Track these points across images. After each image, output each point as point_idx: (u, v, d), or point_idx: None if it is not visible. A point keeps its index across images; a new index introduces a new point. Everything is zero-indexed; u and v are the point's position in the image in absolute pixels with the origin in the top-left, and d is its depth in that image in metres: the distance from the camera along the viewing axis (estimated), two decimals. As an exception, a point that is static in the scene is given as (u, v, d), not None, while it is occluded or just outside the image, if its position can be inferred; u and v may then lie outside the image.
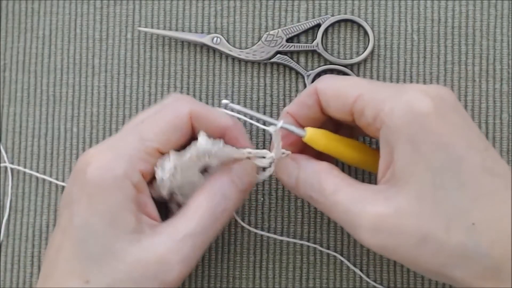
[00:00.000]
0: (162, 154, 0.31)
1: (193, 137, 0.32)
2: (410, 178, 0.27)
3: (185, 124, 0.31)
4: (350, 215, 0.28)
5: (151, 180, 0.31)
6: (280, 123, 0.31)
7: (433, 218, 0.26)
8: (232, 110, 0.32)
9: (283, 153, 0.32)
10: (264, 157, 0.32)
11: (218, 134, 0.32)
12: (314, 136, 0.31)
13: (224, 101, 0.32)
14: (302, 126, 0.32)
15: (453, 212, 0.26)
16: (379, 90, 0.29)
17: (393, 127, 0.28)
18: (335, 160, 0.34)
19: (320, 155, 0.32)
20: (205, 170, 0.32)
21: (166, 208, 0.33)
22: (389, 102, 0.28)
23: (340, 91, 0.30)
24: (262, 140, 0.38)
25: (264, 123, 0.32)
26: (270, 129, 0.31)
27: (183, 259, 0.29)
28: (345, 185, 0.29)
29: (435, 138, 0.27)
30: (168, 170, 0.31)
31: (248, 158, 0.32)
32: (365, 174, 0.38)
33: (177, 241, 0.29)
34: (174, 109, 0.31)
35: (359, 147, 0.33)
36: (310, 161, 0.31)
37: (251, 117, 0.32)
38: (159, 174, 0.31)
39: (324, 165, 0.31)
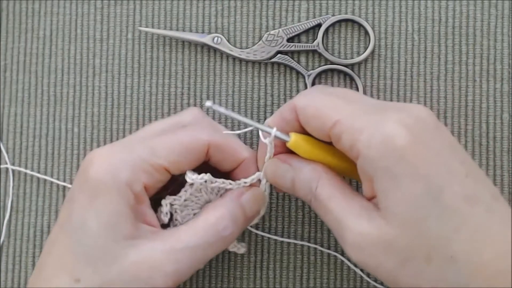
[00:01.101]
0: (169, 173, 0.31)
1: (205, 162, 0.32)
2: (391, 208, 0.27)
3: (201, 153, 0.31)
4: (339, 226, 0.29)
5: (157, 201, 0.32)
6: (273, 131, 0.31)
7: (413, 247, 0.26)
8: (215, 112, 0.32)
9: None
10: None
11: (233, 166, 0.32)
12: (299, 142, 0.31)
13: (208, 104, 0.30)
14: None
15: (434, 243, 0.26)
16: (358, 116, 0.28)
17: (370, 159, 0.27)
18: None
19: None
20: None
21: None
22: (366, 132, 0.27)
23: (318, 113, 0.30)
24: (243, 139, 0.38)
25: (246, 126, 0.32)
26: (266, 141, 0.31)
27: (178, 270, 0.29)
28: (338, 193, 0.29)
29: (413, 170, 0.26)
30: (164, 215, 0.32)
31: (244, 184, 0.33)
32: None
33: (176, 250, 0.29)
34: (194, 135, 0.31)
35: (344, 155, 0.32)
36: (303, 162, 0.31)
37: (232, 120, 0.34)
38: (161, 217, 0.32)
39: (319, 168, 0.31)
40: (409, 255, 0.27)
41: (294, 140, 0.31)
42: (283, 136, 0.31)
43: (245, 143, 0.37)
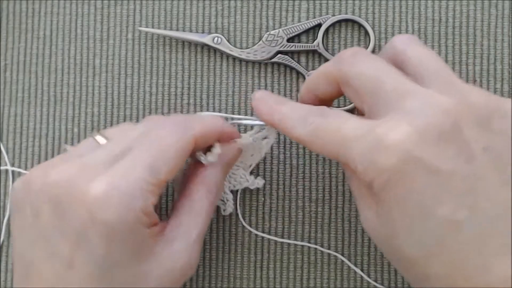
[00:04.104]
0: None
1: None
2: (380, 216, 0.27)
3: (190, 149, 0.30)
4: (358, 206, 0.30)
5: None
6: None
7: (393, 255, 0.28)
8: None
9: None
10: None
11: (215, 139, 0.33)
12: None
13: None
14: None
15: (409, 261, 0.26)
16: (350, 143, 0.27)
17: (366, 182, 0.27)
18: None
19: None
20: None
21: None
22: (359, 161, 0.26)
23: (324, 148, 0.28)
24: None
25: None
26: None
27: (198, 256, 0.31)
28: (354, 176, 0.29)
29: (395, 195, 0.26)
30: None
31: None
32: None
33: (192, 244, 0.31)
34: (178, 133, 0.30)
35: None
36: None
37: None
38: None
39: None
40: (392, 258, 0.29)
41: None
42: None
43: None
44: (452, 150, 0.25)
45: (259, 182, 0.37)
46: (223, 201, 0.37)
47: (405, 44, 0.29)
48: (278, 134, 0.38)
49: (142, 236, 0.29)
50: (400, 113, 0.26)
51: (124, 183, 0.28)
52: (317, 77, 0.31)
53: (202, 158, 0.32)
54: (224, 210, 0.37)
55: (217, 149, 0.32)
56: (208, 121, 0.32)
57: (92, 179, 0.28)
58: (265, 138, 0.35)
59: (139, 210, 0.28)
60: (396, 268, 0.29)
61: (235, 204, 0.38)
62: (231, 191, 0.37)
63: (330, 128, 0.28)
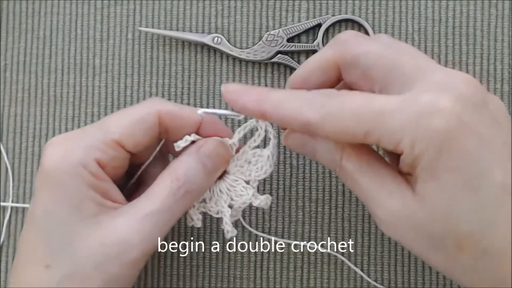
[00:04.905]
0: (124, 149, 0.31)
1: (160, 139, 0.32)
2: (427, 197, 0.26)
3: (151, 120, 0.31)
4: (370, 201, 0.28)
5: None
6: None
7: (445, 236, 0.26)
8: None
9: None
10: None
11: (192, 129, 0.32)
12: None
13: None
14: None
15: (467, 236, 0.26)
16: (389, 115, 0.25)
17: (414, 156, 0.26)
18: None
19: None
20: None
21: None
22: (406, 131, 0.25)
23: (343, 129, 0.26)
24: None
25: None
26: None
27: (144, 238, 0.29)
28: (366, 165, 0.28)
29: (451, 163, 0.25)
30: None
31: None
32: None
33: (137, 220, 0.29)
34: (141, 106, 0.32)
35: None
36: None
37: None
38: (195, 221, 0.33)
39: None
40: (440, 243, 0.26)
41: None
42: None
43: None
44: (487, 118, 0.26)
45: (263, 200, 0.32)
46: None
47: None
48: (278, 136, 0.37)
49: (80, 192, 0.29)
50: (432, 85, 0.26)
51: (70, 137, 0.31)
52: (310, 66, 0.30)
53: (176, 145, 0.31)
54: (227, 232, 0.32)
55: (191, 137, 0.31)
56: (181, 105, 0.32)
57: (59, 136, 0.32)
58: (264, 147, 0.33)
59: (76, 161, 0.29)
60: (440, 262, 0.27)
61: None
62: (231, 207, 0.33)
63: (353, 105, 0.26)
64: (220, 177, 0.32)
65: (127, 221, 0.29)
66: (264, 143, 0.33)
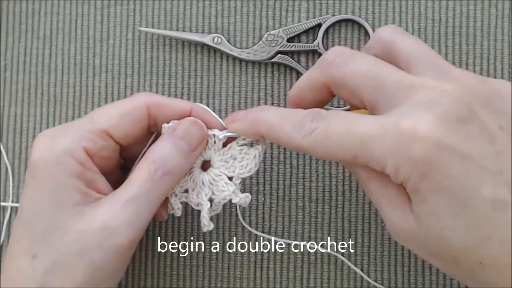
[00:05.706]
0: (113, 138, 0.31)
1: (150, 131, 0.33)
2: (421, 216, 0.26)
3: (139, 111, 0.32)
4: (378, 207, 0.28)
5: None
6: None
7: (442, 250, 0.27)
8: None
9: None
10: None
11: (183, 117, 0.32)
12: None
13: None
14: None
15: (461, 251, 0.26)
16: (371, 143, 0.26)
17: (400, 180, 0.26)
18: None
19: None
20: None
21: None
22: (388, 158, 0.26)
23: (333, 154, 0.27)
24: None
25: None
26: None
27: (127, 223, 0.29)
28: (374, 172, 0.28)
29: (435, 185, 0.25)
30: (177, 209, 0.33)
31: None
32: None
33: (118, 207, 0.29)
34: (129, 99, 0.32)
35: None
36: None
37: None
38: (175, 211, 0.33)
39: None
40: (438, 255, 0.27)
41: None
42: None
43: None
44: (474, 133, 0.26)
45: (242, 198, 0.32)
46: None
47: (393, 35, 0.29)
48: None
49: (63, 181, 0.30)
50: (414, 104, 0.26)
51: (59, 129, 0.31)
52: (301, 87, 0.31)
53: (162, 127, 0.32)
54: (204, 226, 0.32)
55: (169, 123, 0.32)
56: (169, 98, 0.33)
57: (48, 129, 0.32)
58: (252, 144, 0.33)
59: (62, 150, 0.30)
60: (442, 268, 0.28)
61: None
62: (211, 201, 0.32)
63: (339, 131, 0.27)
64: (205, 169, 0.33)
65: (109, 207, 0.30)
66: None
